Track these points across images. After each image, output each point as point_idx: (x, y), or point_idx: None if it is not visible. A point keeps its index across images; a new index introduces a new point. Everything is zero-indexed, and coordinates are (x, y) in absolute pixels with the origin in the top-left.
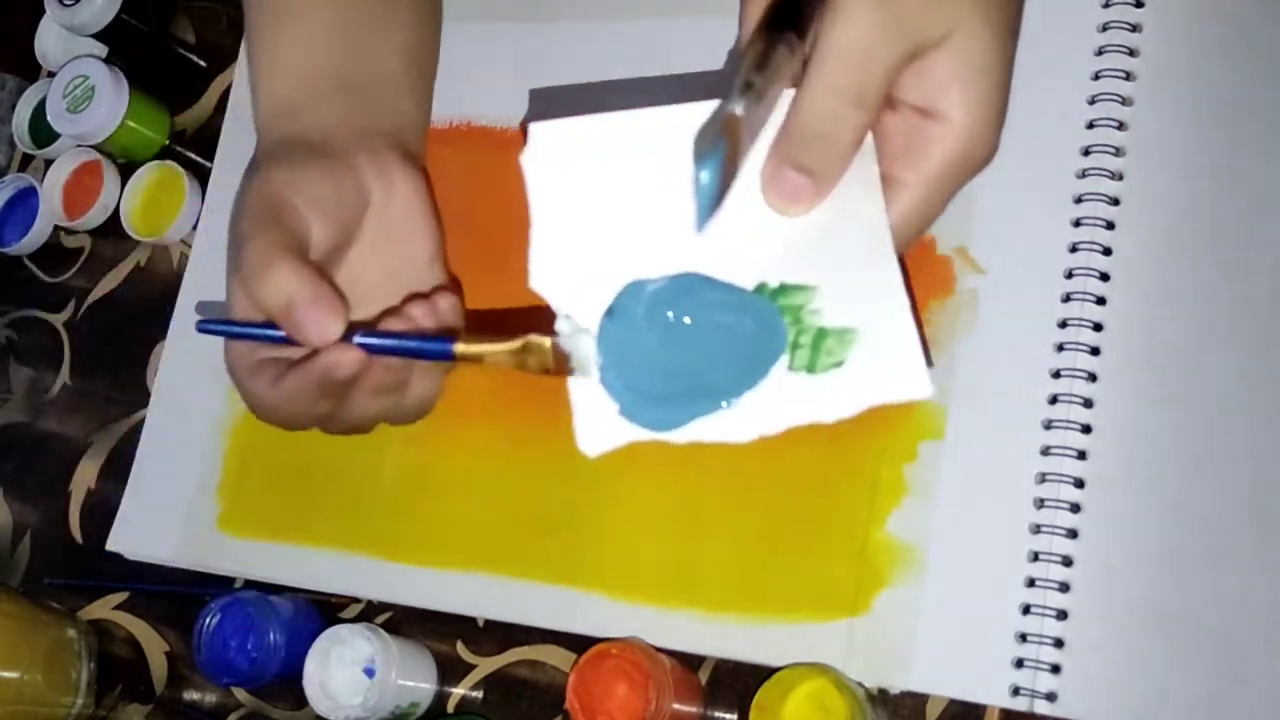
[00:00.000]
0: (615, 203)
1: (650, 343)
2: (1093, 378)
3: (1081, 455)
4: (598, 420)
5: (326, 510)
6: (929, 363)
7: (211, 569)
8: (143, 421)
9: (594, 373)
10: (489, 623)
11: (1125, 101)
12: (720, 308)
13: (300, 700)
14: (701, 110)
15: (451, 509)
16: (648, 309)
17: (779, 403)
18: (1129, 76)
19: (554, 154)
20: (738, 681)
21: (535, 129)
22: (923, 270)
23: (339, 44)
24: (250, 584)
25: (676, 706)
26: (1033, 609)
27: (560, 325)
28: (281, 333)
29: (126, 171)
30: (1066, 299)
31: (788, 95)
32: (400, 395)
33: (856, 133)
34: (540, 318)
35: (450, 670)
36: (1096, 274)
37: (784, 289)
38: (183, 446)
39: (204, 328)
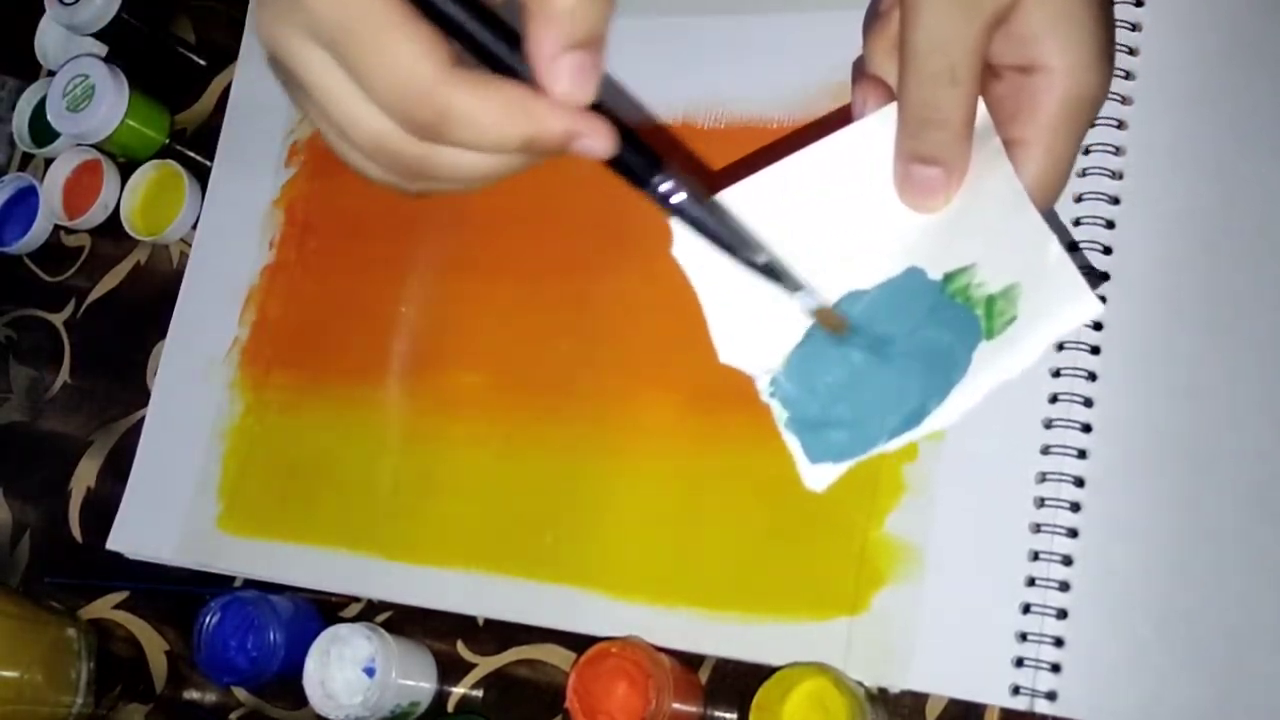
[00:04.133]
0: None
1: (832, 370)
2: (1093, 377)
3: (1082, 454)
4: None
5: (326, 510)
6: (1094, 285)
7: (211, 568)
8: (143, 421)
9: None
10: (489, 622)
11: (1125, 101)
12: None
13: (300, 699)
14: (817, 156)
15: (451, 509)
16: (821, 344)
17: (970, 377)
18: (1129, 76)
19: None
20: (738, 681)
21: (675, 221)
22: None
23: None
24: (250, 583)
25: (676, 706)
26: (1033, 608)
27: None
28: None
29: (126, 170)
30: None
31: (892, 107)
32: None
33: (962, 110)
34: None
35: (450, 669)
36: (1097, 273)
37: (948, 277)
38: (183, 446)
39: None
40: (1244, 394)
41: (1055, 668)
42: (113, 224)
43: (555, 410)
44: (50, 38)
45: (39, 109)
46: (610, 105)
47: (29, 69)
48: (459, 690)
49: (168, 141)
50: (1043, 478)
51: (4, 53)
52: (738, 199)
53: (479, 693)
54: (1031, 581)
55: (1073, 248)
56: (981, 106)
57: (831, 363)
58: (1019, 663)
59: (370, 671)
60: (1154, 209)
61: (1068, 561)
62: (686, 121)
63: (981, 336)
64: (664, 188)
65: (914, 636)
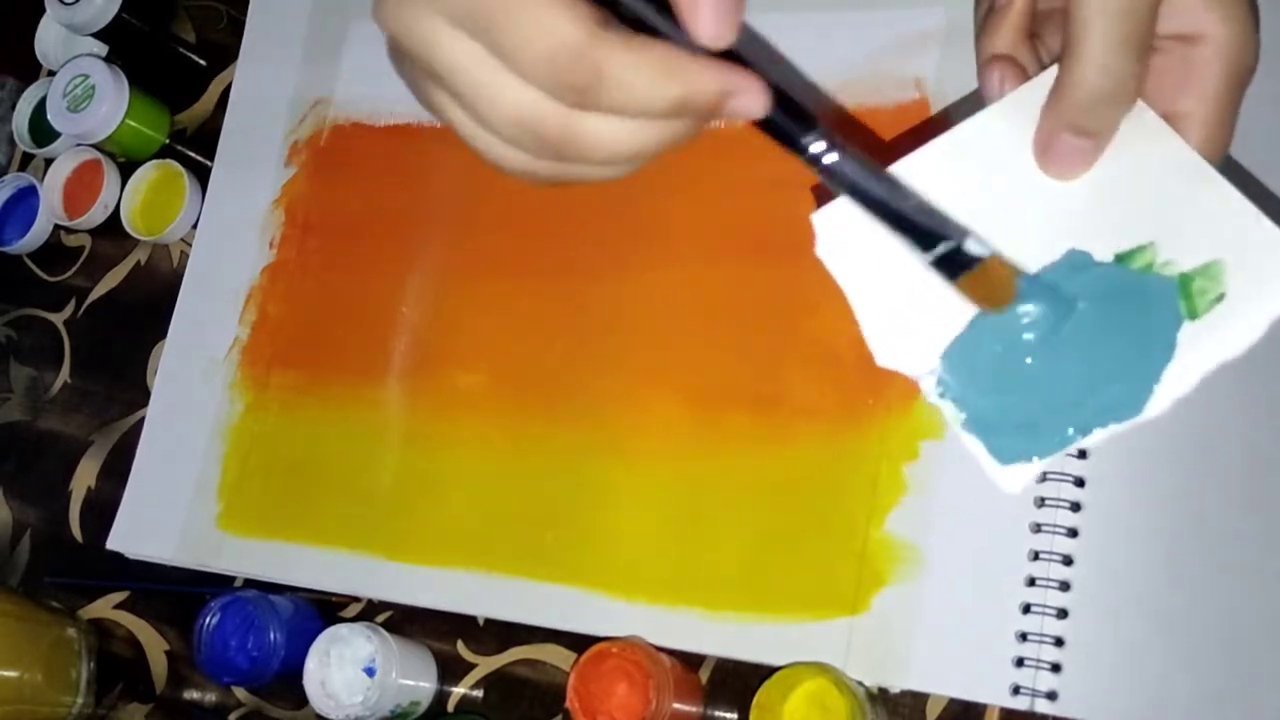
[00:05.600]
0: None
1: (1007, 364)
2: None
3: (1082, 454)
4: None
5: (326, 510)
6: None
7: (211, 568)
8: (143, 421)
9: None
10: (489, 622)
11: None
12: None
13: (300, 699)
14: (955, 140)
15: (452, 509)
16: (989, 337)
17: (1180, 361)
18: None
19: (845, 232)
20: (738, 681)
21: (818, 218)
22: None
23: None
24: (250, 583)
25: (677, 706)
26: (1033, 608)
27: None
28: None
29: (127, 170)
30: None
31: (1049, 72)
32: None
33: (1139, 80)
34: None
35: (450, 669)
36: None
37: (1121, 257)
38: (183, 446)
39: None
40: (1244, 393)
41: (1055, 667)
42: (113, 224)
43: (555, 410)
44: (50, 38)
45: (39, 109)
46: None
47: (29, 68)
48: (459, 690)
49: (168, 141)
50: (1043, 477)
51: (4, 52)
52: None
53: (479, 693)
54: (1032, 581)
55: None
56: None
57: (1003, 354)
58: (1019, 662)
59: (370, 671)
60: None
61: (1068, 561)
62: None
63: (1183, 317)
64: (815, 148)
65: (914, 636)
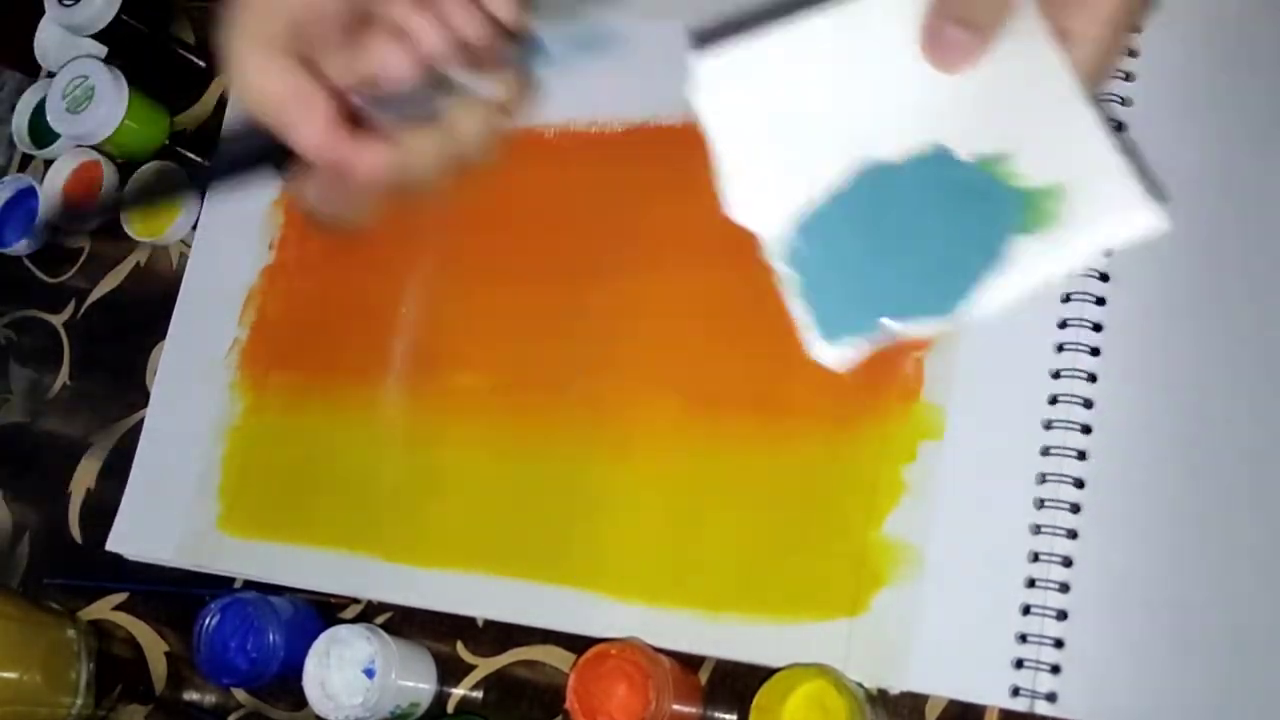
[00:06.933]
0: (792, 115)
1: (856, 243)
2: (1092, 378)
3: (1081, 455)
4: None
5: (326, 510)
6: (1159, 198)
7: (211, 569)
8: (142, 422)
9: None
10: (489, 623)
11: (1125, 102)
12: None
13: (300, 700)
14: (857, 12)
15: (451, 510)
16: (846, 213)
17: (1008, 270)
18: (1128, 77)
19: (722, 84)
20: (738, 681)
21: (699, 62)
22: None
23: None
24: (250, 584)
25: (676, 707)
26: (1033, 609)
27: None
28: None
29: (126, 171)
30: (1066, 299)
31: None
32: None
33: None
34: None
35: (450, 670)
36: (1096, 274)
37: (981, 162)
38: (182, 446)
39: None
40: (1243, 395)
41: (1055, 669)
42: (112, 225)
43: (555, 412)
44: (50, 39)
45: (39, 110)
46: None
47: (29, 69)
48: (459, 691)
49: (167, 142)
50: (1043, 479)
51: (4, 53)
52: (767, 48)
53: (479, 694)
54: (1031, 583)
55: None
56: None
57: (856, 231)
58: (1019, 664)
59: (370, 673)
60: None
61: (1068, 563)
62: (687, 122)
63: (1018, 229)
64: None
65: (914, 637)
